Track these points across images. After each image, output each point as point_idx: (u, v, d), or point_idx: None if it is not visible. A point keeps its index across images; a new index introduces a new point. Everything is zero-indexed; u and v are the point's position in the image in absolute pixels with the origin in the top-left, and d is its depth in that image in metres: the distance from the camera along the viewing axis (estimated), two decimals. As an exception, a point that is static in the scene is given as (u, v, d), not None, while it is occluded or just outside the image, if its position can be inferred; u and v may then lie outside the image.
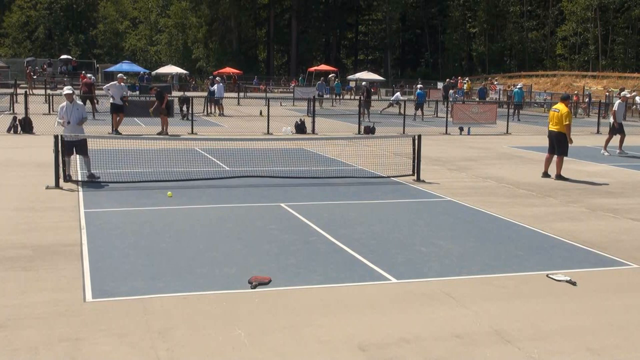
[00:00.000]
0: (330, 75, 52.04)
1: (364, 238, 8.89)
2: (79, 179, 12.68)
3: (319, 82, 42.02)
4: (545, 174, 14.81)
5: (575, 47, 62.40)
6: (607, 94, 39.29)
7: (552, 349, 5.44)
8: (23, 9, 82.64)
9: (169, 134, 21.40)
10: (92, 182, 12.45)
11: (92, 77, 35.39)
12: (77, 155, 12.93)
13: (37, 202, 10.67)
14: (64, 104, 12.70)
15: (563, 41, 63.90)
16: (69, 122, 12.59)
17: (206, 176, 13.52)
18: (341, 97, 45.89)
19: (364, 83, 36.07)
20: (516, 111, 34.78)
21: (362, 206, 11.13)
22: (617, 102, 20.49)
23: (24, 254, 7.75)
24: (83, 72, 43.41)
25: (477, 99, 39.41)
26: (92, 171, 12.79)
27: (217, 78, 35.24)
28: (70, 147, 12.45)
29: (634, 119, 37.84)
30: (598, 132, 27.77)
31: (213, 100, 32.20)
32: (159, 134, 21.23)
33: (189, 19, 77.06)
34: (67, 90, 12.80)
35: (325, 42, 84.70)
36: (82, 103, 12.99)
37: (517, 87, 38.61)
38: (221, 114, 31.56)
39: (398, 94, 37.49)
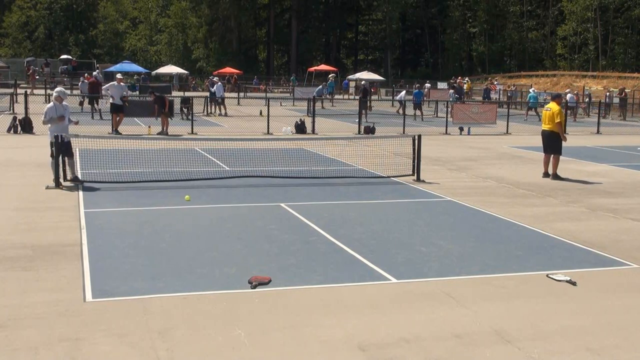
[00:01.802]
0: (330, 75, 51.98)
1: (364, 238, 8.89)
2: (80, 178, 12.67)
3: (319, 87, 41.48)
4: (546, 174, 14.81)
5: (575, 47, 62.40)
6: (608, 93, 39.33)
7: (552, 349, 5.44)
8: (23, 9, 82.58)
9: (169, 134, 21.40)
10: (89, 183, 12.43)
11: (99, 76, 34.94)
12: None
13: (37, 202, 10.67)
14: (51, 104, 12.51)
15: (563, 41, 63.90)
16: (62, 118, 12.39)
17: (206, 176, 13.51)
18: (333, 96, 45.56)
19: (363, 82, 36.02)
20: (528, 112, 35.70)
21: (362, 206, 11.13)
22: None
23: (24, 254, 7.75)
24: (86, 73, 43.06)
25: (482, 99, 39.54)
26: (76, 174, 12.65)
27: (215, 78, 35.21)
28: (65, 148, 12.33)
29: (634, 118, 37.88)
30: (598, 132, 27.79)
31: (214, 100, 32.25)
32: (159, 134, 21.24)
33: (189, 19, 77.06)
34: (60, 94, 12.62)
35: (325, 42, 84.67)
36: (67, 104, 12.86)
37: (532, 90, 38.96)
38: (221, 114, 31.55)
39: (403, 93, 37.24)
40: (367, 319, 5.98)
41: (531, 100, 36.53)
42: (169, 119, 22.52)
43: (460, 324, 5.94)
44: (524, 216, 10.61)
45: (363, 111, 30.00)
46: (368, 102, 33.58)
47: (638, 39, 59.06)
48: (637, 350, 5.51)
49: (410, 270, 7.54)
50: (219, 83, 32.75)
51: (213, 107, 32.35)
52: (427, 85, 36.37)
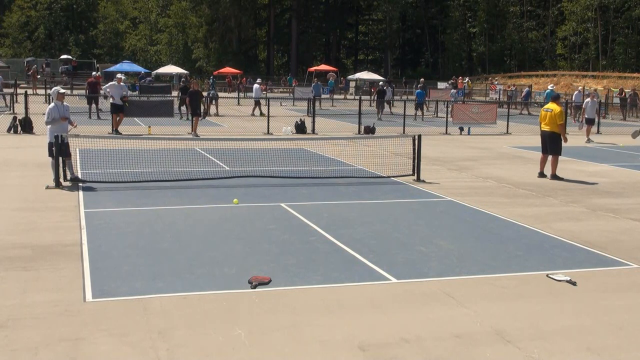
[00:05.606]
0: (329, 75, 51.98)
1: (364, 238, 8.88)
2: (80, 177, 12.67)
3: (314, 83, 41.72)
4: (542, 174, 14.81)
5: (575, 47, 62.38)
6: (607, 93, 39.28)
7: (552, 349, 5.44)
8: (23, 9, 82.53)
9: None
10: (89, 183, 12.43)
11: (97, 73, 34.58)
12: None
13: (37, 202, 10.67)
14: (53, 104, 12.47)
15: (563, 41, 63.86)
16: (65, 119, 12.44)
17: (206, 176, 13.51)
18: (332, 96, 45.47)
19: (381, 83, 35.88)
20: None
21: (362, 206, 11.13)
22: None
23: (24, 254, 7.75)
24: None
25: (509, 101, 38.76)
26: (76, 174, 12.64)
27: (259, 79, 34.91)
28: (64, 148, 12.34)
29: (634, 118, 37.87)
30: (598, 132, 27.76)
31: (214, 98, 32.29)
32: (189, 134, 21.28)
33: (189, 18, 77.01)
34: (62, 89, 12.77)
35: (325, 42, 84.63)
36: (67, 104, 12.90)
37: (550, 87, 38.64)
38: (255, 115, 31.22)
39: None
40: (367, 319, 5.98)
41: (546, 99, 36.18)
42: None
43: (460, 324, 5.94)
44: (524, 216, 10.61)
45: (381, 110, 30.76)
46: (389, 103, 33.73)
47: (638, 39, 58.99)
48: (637, 350, 5.51)
49: (410, 270, 7.54)
50: (257, 85, 32.14)
51: (215, 107, 32.29)
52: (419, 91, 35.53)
